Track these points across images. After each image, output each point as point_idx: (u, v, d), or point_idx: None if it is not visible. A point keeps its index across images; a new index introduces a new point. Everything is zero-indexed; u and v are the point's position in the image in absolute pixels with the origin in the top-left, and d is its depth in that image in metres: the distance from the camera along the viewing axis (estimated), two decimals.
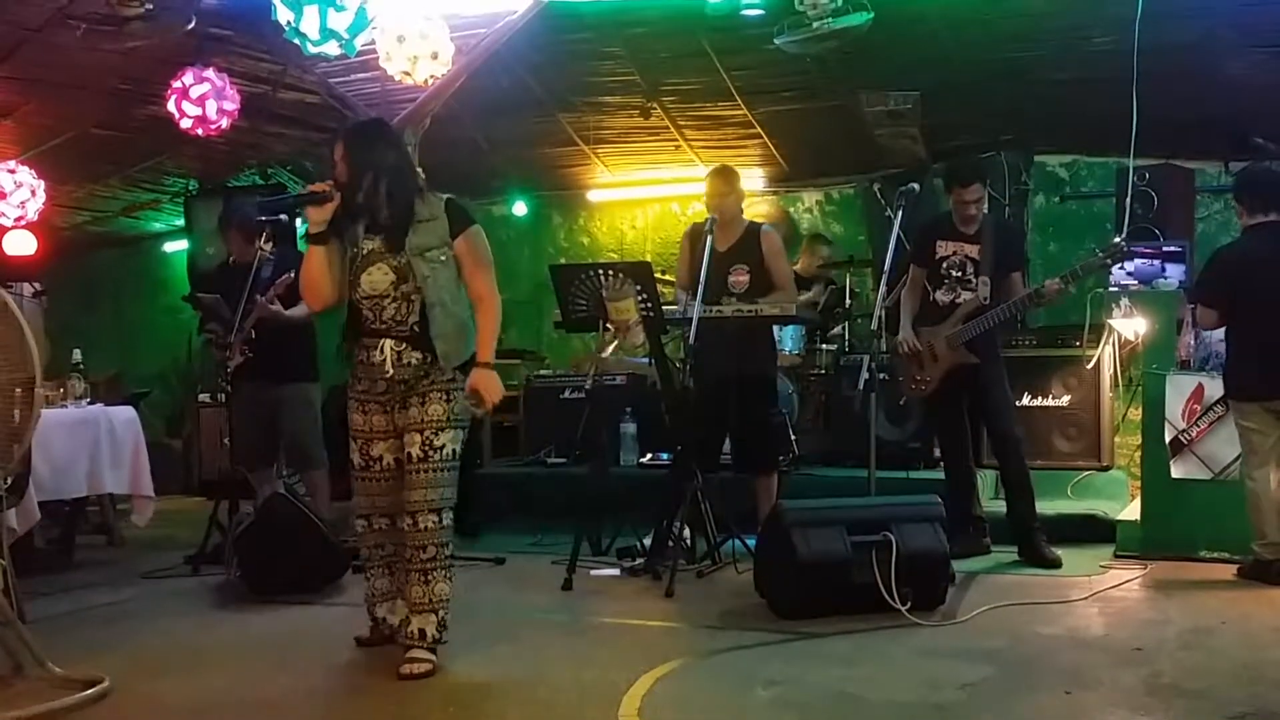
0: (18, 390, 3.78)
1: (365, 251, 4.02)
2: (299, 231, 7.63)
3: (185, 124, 6.69)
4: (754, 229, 6.03)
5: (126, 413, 6.30)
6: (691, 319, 5.43)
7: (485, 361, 3.99)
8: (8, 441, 3.84)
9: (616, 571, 5.64)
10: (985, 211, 5.96)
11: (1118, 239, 6.03)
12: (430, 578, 3.94)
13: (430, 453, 3.94)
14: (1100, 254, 5.78)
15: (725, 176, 6.06)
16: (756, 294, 5.85)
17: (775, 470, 6.10)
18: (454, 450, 4.00)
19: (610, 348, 5.60)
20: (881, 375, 5.47)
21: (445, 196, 4.11)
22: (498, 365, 4.07)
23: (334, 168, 4.05)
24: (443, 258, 3.99)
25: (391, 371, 3.95)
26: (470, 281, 4.06)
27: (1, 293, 3.83)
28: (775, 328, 6.71)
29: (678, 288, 6.15)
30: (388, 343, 3.96)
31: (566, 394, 8.09)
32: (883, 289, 5.59)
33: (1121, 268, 6.31)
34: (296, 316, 5.83)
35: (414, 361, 3.96)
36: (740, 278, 5.89)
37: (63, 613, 5.03)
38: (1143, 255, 6.38)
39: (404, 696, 3.69)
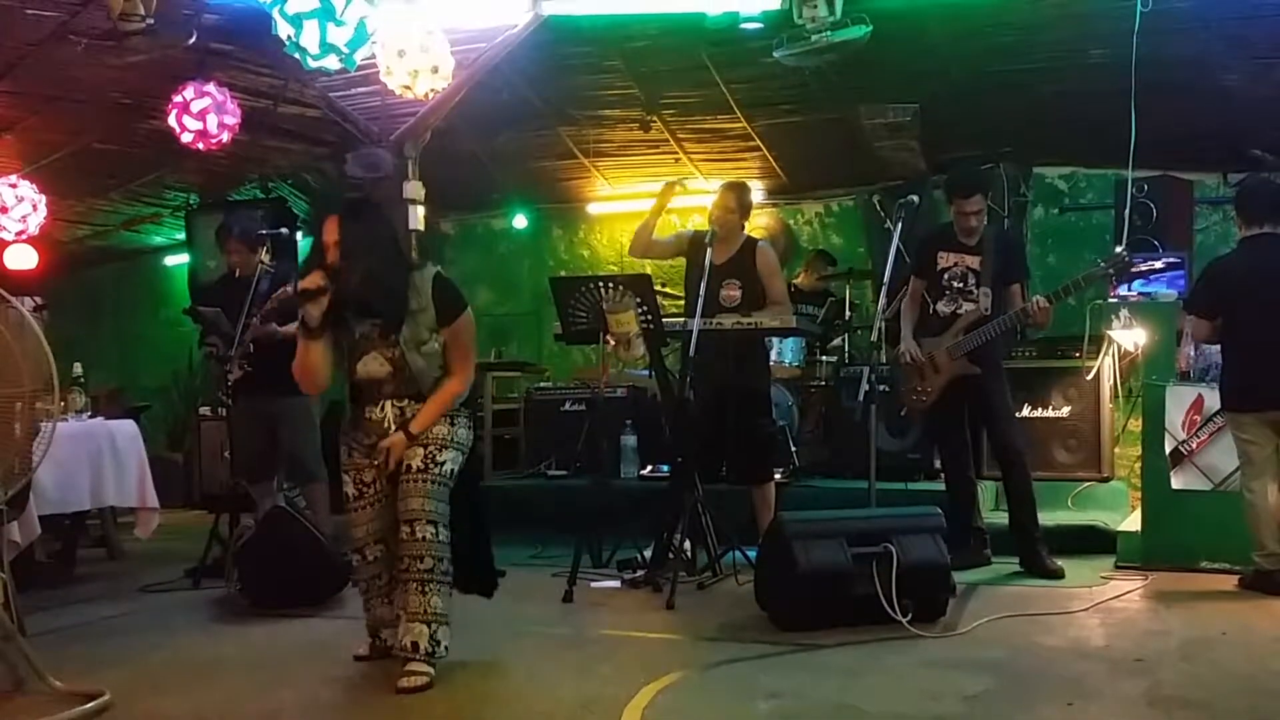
0: (18, 405, 3.79)
1: (358, 337, 4.05)
2: (299, 245, 7.65)
3: (186, 138, 6.71)
4: (750, 244, 6.01)
5: (128, 426, 6.30)
6: (691, 331, 5.43)
7: (410, 430, 3.97)
8: (11, 456, 3.85)
9: (617, 584, 5.63)
10: (986, 222, 5.97)
11: (1119, 249, 6.03)
12: (426, 589, 3.93)
13: (431, 465, 3.96)
14: (1103, 264, 5.79)
15: (735, 194, 6.01)
16: (747, 308, 5.82)
17: (769, 481, 6.07)
18: (452, 470, 4.01)
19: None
20: (881, 387, 5.47)
21: (434, 273, 4.06)
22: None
23: (325, 251, 3.96)
24: (436, 345, 4.03)
25: (393, 427, 4.00)
26: (448, 357, 4.06)
27: (20, 308, 3.83)
28: (775, 340, 6.69)
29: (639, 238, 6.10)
30: (389, 403, 4.03)
31: (567, 406, 8.10)
32: (882, 301, 5.60)
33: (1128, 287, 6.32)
34: (293, 333, 5.83)
35: (415, 411, 4.02)
36: (732, 292, 5.88)
37: (63, 626, 5.03)
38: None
39: (405, 710, 3.69)
